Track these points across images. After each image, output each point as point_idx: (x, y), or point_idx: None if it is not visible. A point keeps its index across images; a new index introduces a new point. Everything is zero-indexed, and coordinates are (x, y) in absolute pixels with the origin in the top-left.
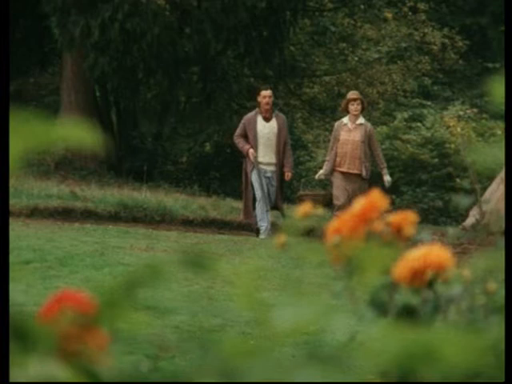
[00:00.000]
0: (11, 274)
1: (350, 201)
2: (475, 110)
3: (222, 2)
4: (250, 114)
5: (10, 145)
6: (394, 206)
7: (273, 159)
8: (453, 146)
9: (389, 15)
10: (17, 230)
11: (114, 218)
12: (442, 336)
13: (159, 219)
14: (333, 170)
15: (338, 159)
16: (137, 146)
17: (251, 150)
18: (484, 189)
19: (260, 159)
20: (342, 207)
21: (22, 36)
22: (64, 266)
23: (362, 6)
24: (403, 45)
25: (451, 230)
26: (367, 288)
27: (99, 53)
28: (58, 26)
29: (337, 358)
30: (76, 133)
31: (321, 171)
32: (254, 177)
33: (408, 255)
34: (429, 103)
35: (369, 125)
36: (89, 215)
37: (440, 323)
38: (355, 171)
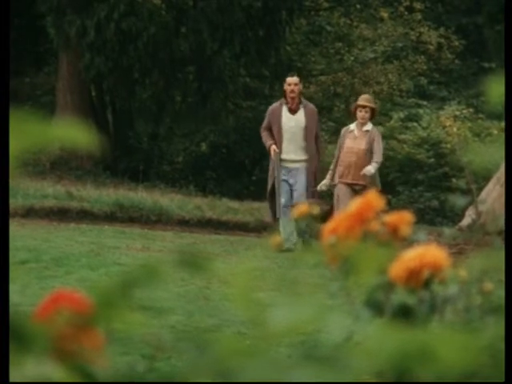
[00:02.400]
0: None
1: None
2: (471, 109)
3: (218, 1)
4: (275, 105)
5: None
6: (390, 206)
7: (299, 156)
8: (449, 145)
9: (385, 15)
10: (12, 230)
11: (109, 218)
12: (438, 336)
13: (155, 219)
14: (336, 181)
15: (341, 169)
16: (133, 145)
17: (273, 147)
18: (480, 189)
19: (283, 156)
20: None
21: (17, 36)
22: (60, 266)
23: (358, 6)
24: (399, 44)
25: (447, 230)
26: (363, 288)
27: (95, 53)
28: (54, 25)
29: (333, 358)
30: (72, 133)
31: (323, 181)
32: (279, 177)
33: (404, 255)
34: (425, 103)
35: (375, 130)
36: (84, 215)
37: (436, 323)
38: (361, 182)
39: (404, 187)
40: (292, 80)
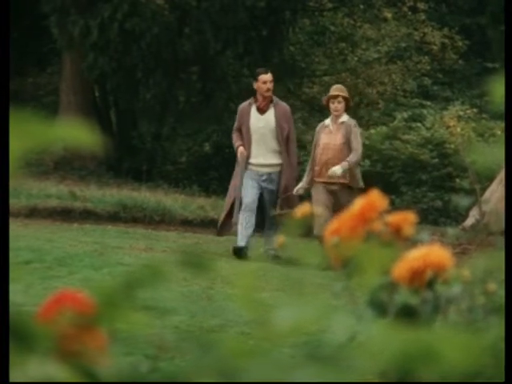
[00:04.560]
0: (10, 275)
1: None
2: (475, 110)
3: (222, 1)
4: (244, 104)
5: (9, 145)
6: (394, 207)
7: (268, 160)
8: (453, 146)
9: (388, 15)
10: (15, 230)
11: (113, 218)
12: (442, 336)
13: (158, 219)
14: (313, 182)
15: (318, 168)
16: (136, 146)
17: (241, 148)
18: (484, 189)
19: (252, 160)
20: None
21: (20, 36)
22: (63, 267)
23: (362, 6)
24: (403, 45)
25: (451, 231)
26: (366, 288)
27: (98, 53)
28: (57, 25)
29: (336, 358)
30: (75, 133)
31: (300, 184)
32: (244, 181)
33: (407, 255)
34: (428, 103)
35: (352, 121)
36: (88, 215)
37: (439, 323)
38: (339, 180)
39: (407, 187)
40: (267, 77)
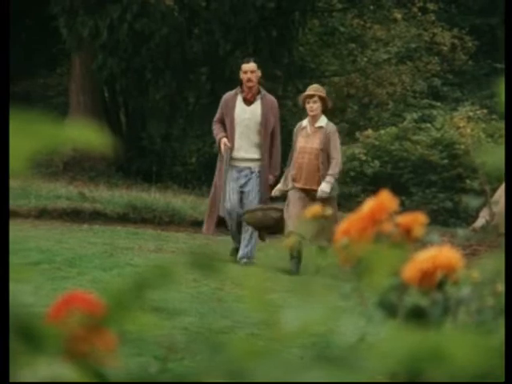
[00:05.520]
0: (20, 276)
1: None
2: (485, 110)
3: (231, 2)
4: (229, 93)
5: (18, 146)
6: (404, 207)
7: (250, 154)
8: (462, 146)
9: (398, 16)
10: (25, 231)
11: (122, 219)
12: (451, 337)
13: (168, 220)
14: (291, 186)
15: (293, 172)
16: (145, 146)
17: (224, 140)
18: (494, 190)
19: (234, 153)
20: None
21: (30, 37)
22: (72, 268)
23: (372, 7)
24: (412, 45)
25: (461, 232)
26: (376, 289)
27: (108, 53)
28: (67, 26)
29: (345, 359)
30: (84, 134)
31: (277, 186)
32: (225, 177)
33: (417, 256)
34: (438, 104)
35: (331, 126)
36: (97, 216)
37: (449, 325)
38: (314, 187)
39: (417, 188)
40: (248, 67)
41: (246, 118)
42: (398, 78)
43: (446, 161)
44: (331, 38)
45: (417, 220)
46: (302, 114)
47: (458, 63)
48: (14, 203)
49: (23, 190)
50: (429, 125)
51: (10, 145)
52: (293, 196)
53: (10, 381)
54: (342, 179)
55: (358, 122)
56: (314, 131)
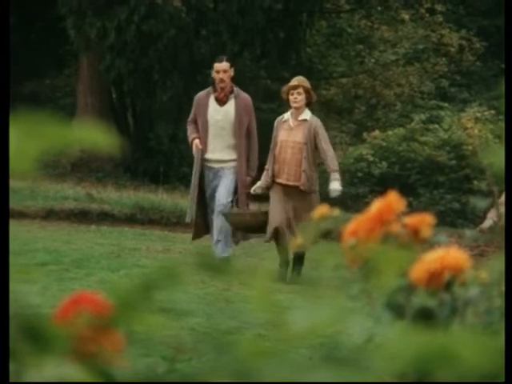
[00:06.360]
0: (27, 276)
1: (290, 225)
2: (493, 111)
3: (239, 3)
4: (202, 93)
5: (26, 147)
6: (411, 208)
7: (226, 156)
8: (470, 147)
9: (406, 17)
10: (33, 232)
11: (130, 220)
12: (459, 338)
13: (175, 221)
14: (272, 182)
15: (276, 167)
16: (153, 147)
17: (196, 141)
18: (501, 191)
19: (208, 155)
20: (276, 234)
21: (37, 38)
22: (80, 268)
23: (379, 8)
24: (420, 46)
25: (468, 232)
26: (384, 290)
27: (115, 55)
28: (74, 27)
29: (353, 360)
30: (92, 135)
31: (258, 183)
32: (195, 180)
33: (425, 257)
34: (446, 105)
35: (315, 120)
36: (105, 217)
37: (457, 326)
38: (295, 183)
39: (425, 189)
40: (220, 66)
41: (219, 118)
42: (406, 79)
43: (453, 162)
44: (339, 39)
45: (424, 221)
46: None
47: (466, 64)
48: (21, 204)
49: (31, 191)
50: (436, 126)
51: (17, 146)
52: (274, 192)
53: (11, 381)
54: (350, 180)
55: (365, 123)
56: (297, 124)
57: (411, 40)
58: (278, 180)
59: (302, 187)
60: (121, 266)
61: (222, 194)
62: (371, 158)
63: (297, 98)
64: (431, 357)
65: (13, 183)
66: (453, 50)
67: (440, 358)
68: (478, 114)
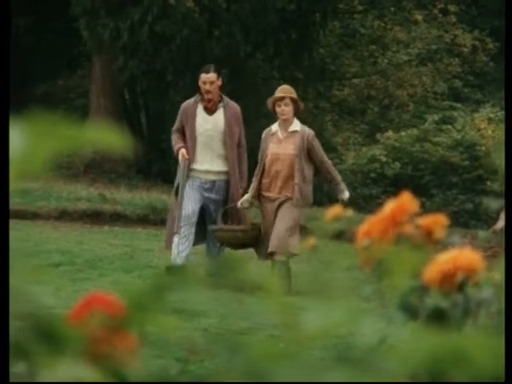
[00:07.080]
0: (41, 277)
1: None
2: None
3: (251, 4)
4: (189, 102)
5: (39, 148)
6: (424, 209)
7: (214, 167)
8: (483, 148)
9: (419, 17)
10: (46, 232)
11: (142, 220)
12: (472, 339)
13: None
14: (259, 195)
15: (266, 180)
16: (166, 148)
17: (183, 151)
18: None
19: (196, 166)
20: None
21: (50, 38)
22: (93, 269)
23: (392, 8)
24: (433, 47)
25: (481, 233)
26: (397, 291)
27: (128, 55)
28: (87, 28)
29: (366, 361)
30: (105, 136)
31: (245, 196)
32: (183, 190)
33: (438, 258)
34: (459, 105)
35: (307, 131)
36: (118, 218)
37: (470, 327)
38: (287, 196)
39: (438, 190)
40: (207, 77)
41: (208, 127)
42: (419, 79)
43: (466, 162)
44: (352, 40)
45: (437, 222)
46: (323, 115)
47: (479, 65)
48: (34, 205)
49: (44, 192)
50: (449, 126)
51: (30, 147)
52: (264, 207)
53: (10, 381)
54: (363, 181)
55: (378, 124)
56: (286, 136)
57: (424, 40)
58: (268, 194)
59: (294, 201)
60: (134, 266)
61: (214, 212)
62: (384, 159)
63: (284, 110)
64: (444, 358)
65: (26, 184)
66: (466, 50)
67: (453, 358)
68: (492, 115)
